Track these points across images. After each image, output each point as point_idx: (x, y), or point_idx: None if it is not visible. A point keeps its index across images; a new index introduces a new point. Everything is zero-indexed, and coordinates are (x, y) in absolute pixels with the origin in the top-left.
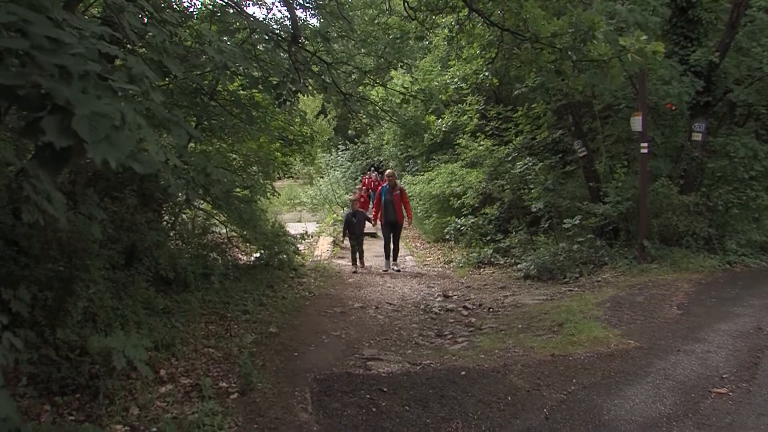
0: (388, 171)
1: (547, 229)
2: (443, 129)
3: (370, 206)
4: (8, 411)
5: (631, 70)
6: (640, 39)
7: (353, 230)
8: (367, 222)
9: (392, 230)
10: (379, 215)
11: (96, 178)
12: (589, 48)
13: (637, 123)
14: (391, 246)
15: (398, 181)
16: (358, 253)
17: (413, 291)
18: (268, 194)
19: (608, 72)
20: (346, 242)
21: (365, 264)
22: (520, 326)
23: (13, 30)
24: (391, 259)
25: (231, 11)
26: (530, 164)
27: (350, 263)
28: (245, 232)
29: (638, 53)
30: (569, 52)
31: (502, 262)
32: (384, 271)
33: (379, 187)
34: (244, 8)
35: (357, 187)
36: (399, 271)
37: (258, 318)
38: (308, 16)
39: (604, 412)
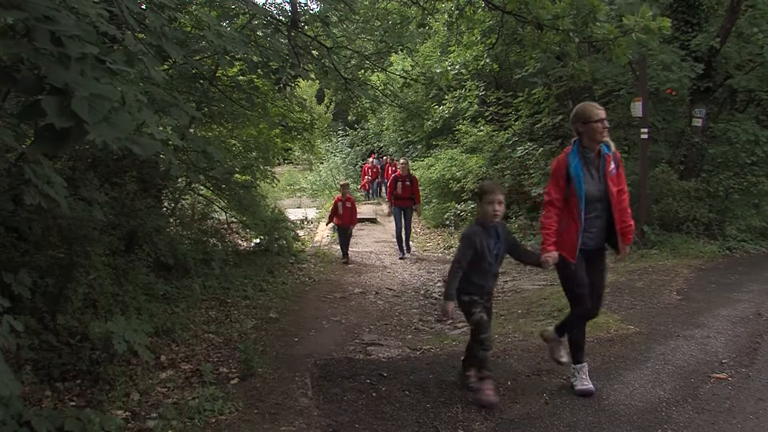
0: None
1: None
2: (444, 115)
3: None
4: (12, 388)
5: (635, 52)
6: (646, 15)
7: None
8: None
9: None
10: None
11: (96, 164)
12: (592, 29)
13: (637, 108)
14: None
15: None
16: None
17: (413, 276)
18: (268, 180)
19: (614, 50)
20: None
21: None
22: (519, 311)
23: (11, 7)
24: None
25: None
26: (530, 149)
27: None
28: (245, 218)
29: (643, 31)
30: (571, 34)
31: None
32: None
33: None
34: None
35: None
36: None
37: (258, 303)
38: (308, 0)
39: (603, 397)
